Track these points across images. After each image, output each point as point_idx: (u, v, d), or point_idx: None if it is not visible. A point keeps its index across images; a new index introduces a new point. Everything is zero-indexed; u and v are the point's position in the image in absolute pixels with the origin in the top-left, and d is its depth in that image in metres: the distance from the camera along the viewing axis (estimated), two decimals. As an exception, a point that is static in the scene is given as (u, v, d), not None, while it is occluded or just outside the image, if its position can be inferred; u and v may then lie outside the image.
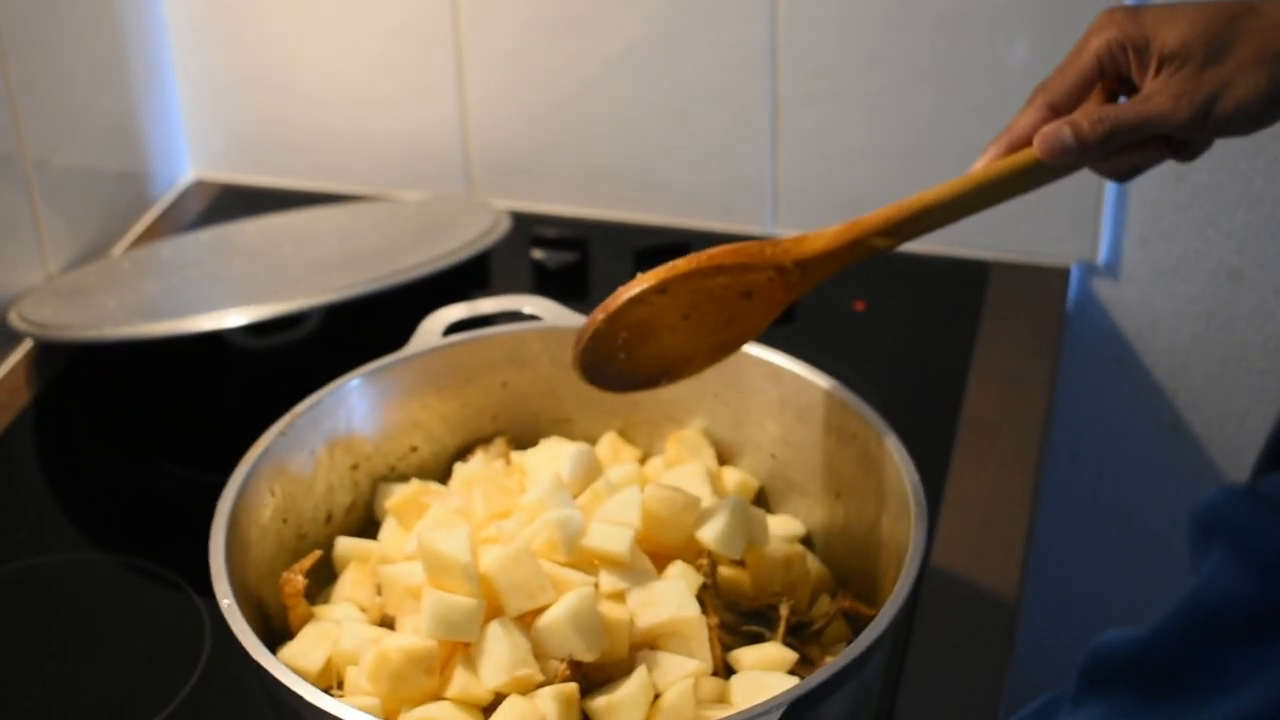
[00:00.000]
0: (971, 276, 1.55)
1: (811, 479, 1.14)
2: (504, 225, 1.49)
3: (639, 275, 1.04)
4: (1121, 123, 0.99)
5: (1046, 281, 1.55)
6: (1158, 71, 0.99)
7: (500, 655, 0.96)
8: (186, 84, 1.70)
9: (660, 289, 1.03)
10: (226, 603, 0.96)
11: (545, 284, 1.53)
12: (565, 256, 1.54)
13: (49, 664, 1.18)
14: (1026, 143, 1.02)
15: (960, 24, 1.48)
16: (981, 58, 1.49)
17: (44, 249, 1.51)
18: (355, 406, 1.14)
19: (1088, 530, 1.71)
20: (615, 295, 1.04)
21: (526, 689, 0.96)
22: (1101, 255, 1.56)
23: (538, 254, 1.55)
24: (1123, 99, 1.03)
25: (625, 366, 1.07)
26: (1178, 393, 1.61)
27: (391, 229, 1.54)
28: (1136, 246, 1.55)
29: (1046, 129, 1.01)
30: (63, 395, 1.44)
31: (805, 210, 1.60)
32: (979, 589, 1.21)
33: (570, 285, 1.53)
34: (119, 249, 1.62)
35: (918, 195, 1.04)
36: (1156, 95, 0.99)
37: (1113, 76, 1.02)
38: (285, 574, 1.05)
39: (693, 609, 0.99)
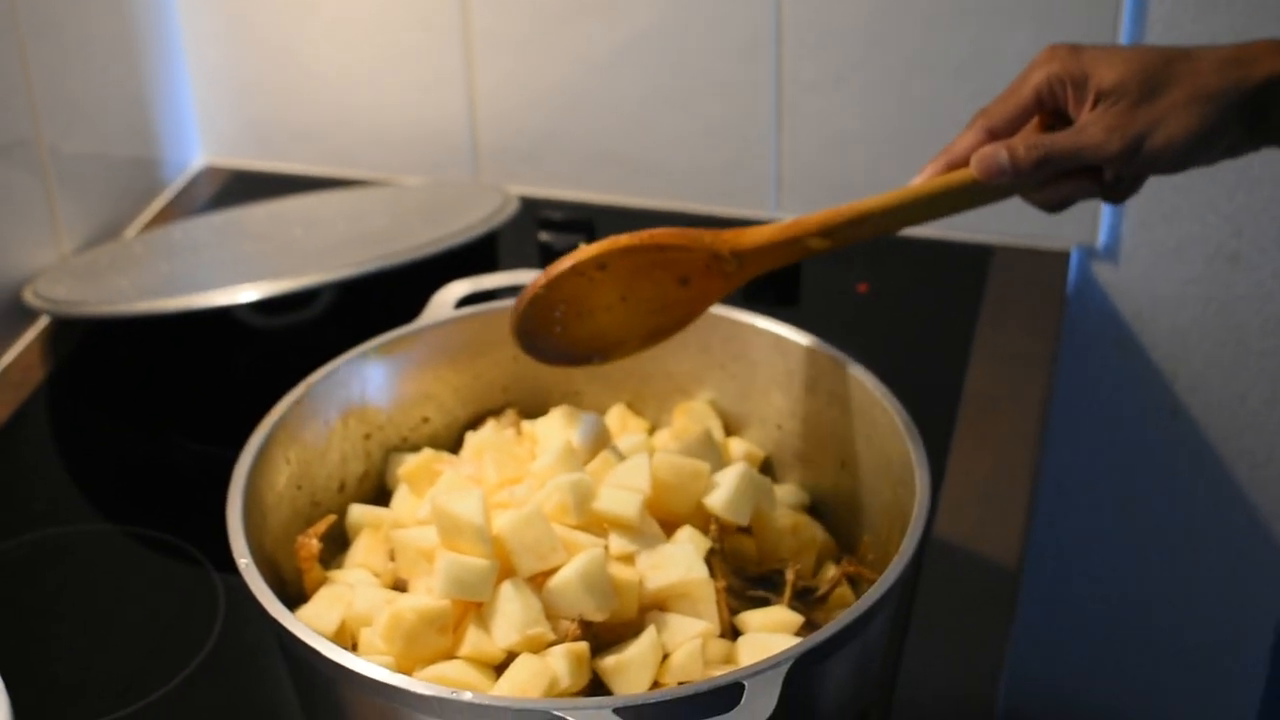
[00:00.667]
0: (973, 260, 1.57)
1: (817, 449, 1.16)
2: (512, 207, 1.51)
3: (582, 246, 1.08)
4: (1055, 150, 1.04)
5: (1047, 265, 1.57)
6: (1094, 106, 1.04)
7: (512, 615, 0.98)
8: (197, 71, 1.71)
9: (600, 264, 1.08)
10: (244, 562, 0.97)
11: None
12: (572, 239, 1.56)
13: (65, 634, 1.20)
14: (964, 163, 1.08)
15: (962, 10, 1.50)
16: (983, 44, 1.51)
17: (58, 232, 1.53)
18: (369, 377, 1.15)
19: (1087, 512, 1.73)
20: (557, 263, 1.08)
21: (538, 648, 0.98)
22: (1101, 239, 1.58)
23: (545, 236, 1.57)
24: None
25: (560, 340, 1.11)
26: (1177, 375, 1.63)
27: (400, 211, 1.56)
28: (1136, 230, 1.57)
29: (984, 151, 1.06)
30: (77, 372, 1.46)
31: (808, 194, 1.61)
32: (981, 558, 1.23)
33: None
34: (131, 232, 1.64)
35: (858, 202, 1.08)
36: (1090, 127, 1.04)
37: (1051, 109, 1.07)
38: (300, 538, 1.07)
39: (701, 571, 1.01)
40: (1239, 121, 1.02)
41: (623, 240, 1.07)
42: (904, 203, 1.08)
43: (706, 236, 1.09)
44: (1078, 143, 1.03)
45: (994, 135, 1.08)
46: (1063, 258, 1.57)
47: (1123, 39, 1.48)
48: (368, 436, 1.16)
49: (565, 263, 1.07)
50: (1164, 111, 1.02)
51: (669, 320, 1.12)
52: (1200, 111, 1.02)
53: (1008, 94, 1.08)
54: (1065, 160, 1.04)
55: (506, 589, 0.98)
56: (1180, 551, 1.73)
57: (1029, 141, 1.05)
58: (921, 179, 1.09)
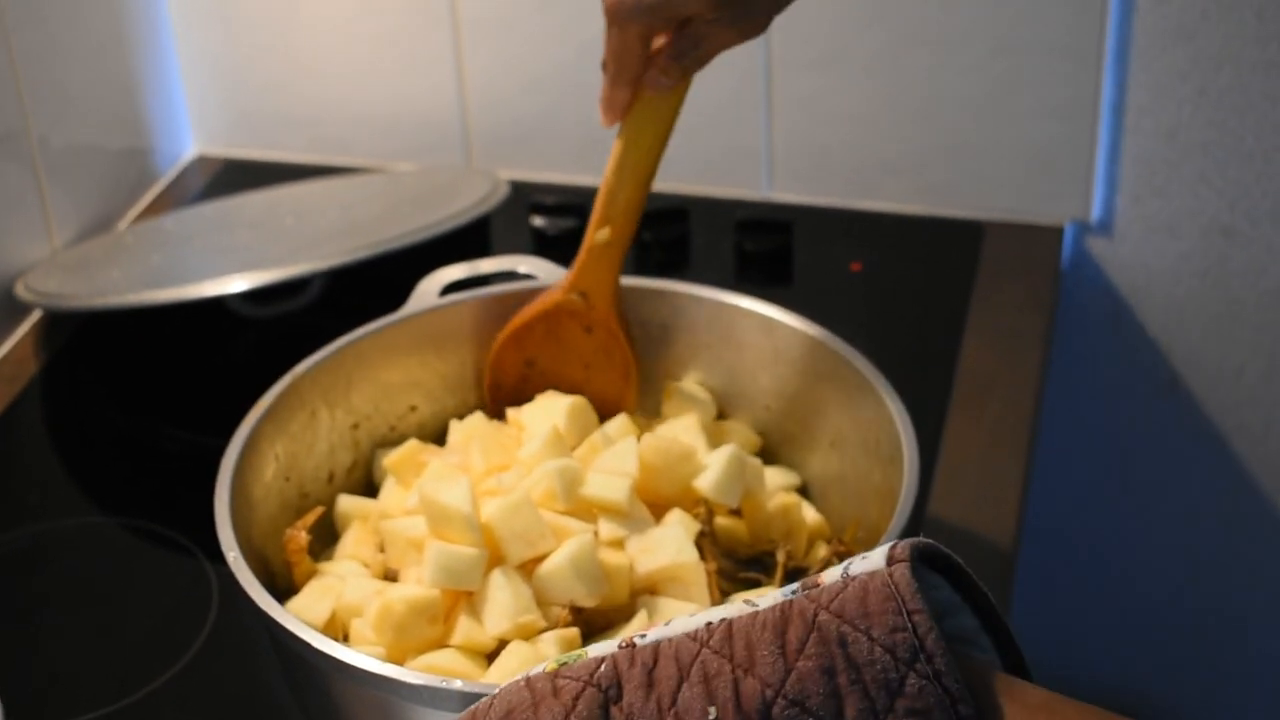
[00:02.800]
0: (966, 236, 1.56)
1: (805, 429, 1.16)
2: (503, 191, 1.51)
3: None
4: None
5: (1041, 240, 1.56)
6: None
7: (503, 603, 0.98)
8: (187, 60, 1.71)
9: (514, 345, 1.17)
10: (233, 555, 0.97)
11: (545, 250, 1.53)
12: (565, 223, 1.56)
13: (58, 628, 1.20)
14: (628, 97, 1.12)
15: (951, -14, 1.50)
16: (970, 19, 1.51)
17: (49, 224, 1.53)
18: (354, 366, 1.15)
19: (1084, 488, 1.72)
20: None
21: (529, 635, 0.98)
22: (1095, 213, 1.57)
23: (537, 221, 1.56)
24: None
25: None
26: (1173, 349, 1.63)
27: (392, 198, 1.56)
28: (1130, 204, 1.57)
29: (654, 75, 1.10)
30: (70, 365, 1.46)
31: (801, 174, 1.61)
32: (976, 536, 1.23)
33: (570, 251, 1.54)
34: (123, 224, 1.63)
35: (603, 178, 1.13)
36: None
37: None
38: (289, 530, 1.07)
39: (691, 554, 1.01)
40: None
41: (505, 331, 1.16)
42: (627, 150, 1.13)
43: (556, 293, 1.15)
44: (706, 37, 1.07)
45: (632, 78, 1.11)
46: (1056, 233, 1.57)
47: (1113, 6, 1.47)
48: (355, 426, 1.16)
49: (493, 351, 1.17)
50: None
51: (604, 375, 1.16)
52: None
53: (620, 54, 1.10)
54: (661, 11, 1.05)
55: (496, 577, 0.98)
56: (1178, 526, 1.72)
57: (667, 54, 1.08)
58: (608, 117, 1.14)
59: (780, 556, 1.05)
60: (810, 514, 1.12)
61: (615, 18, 1.06)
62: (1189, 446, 1.67)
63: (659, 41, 1.08)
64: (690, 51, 1.08)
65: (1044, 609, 1.79)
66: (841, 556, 1.07)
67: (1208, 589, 1.74)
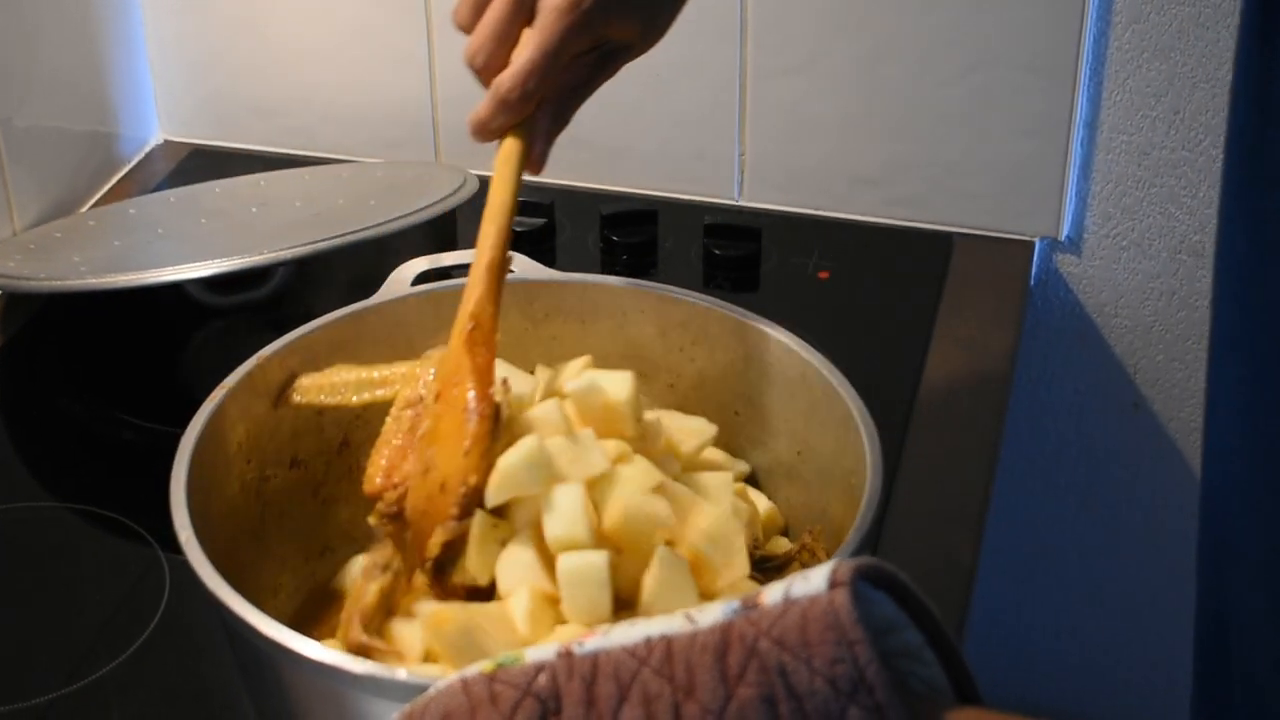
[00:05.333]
0: (935, 249, 1.56)
1: (771, 434, 1.14)
2: (471, 186, 1.49)
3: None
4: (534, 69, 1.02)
5: (1010, 255, 1.56)
6: None
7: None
8: (155, 46, 1.70)
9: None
10: (185, 535, 0.95)
11: (513, 248, 1.53)
12: (532, 221, 1.55)
13: (9, 611, 1.18)
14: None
15: (928, -4, 1.49)
16: (946, 32, 1.50)
17: (10, 207, 1.51)
18: (321, 352, 1.14)
19: (1046, 506, 1.72)
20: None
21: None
22: (1065, 230, 1.57)
23: (504, 219, 1.55)
24: None
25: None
26: (1138, 368, 1.62)
27: (358, 190, 1.55)
28: (1100, 222, 1.57)
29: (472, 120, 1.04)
30: (27, 347, 1.44)
31: (772, 179, 1.60)
32: (937, 548, 1.22)
33: (537, 249, 1.53)
34: (85, 208, 1.62)
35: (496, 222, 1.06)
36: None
37: None
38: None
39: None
40: None
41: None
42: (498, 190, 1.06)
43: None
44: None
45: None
46: (1026, 247, 1.56)
47: (1090, 24, 1.47)
48: (320, 413, 1.14)
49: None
50: None
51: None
52: None
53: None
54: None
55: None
56: (1140, 545, 1.72)
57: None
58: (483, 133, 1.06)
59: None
60: (764, 502, 1.11)
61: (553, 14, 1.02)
62: (1152, 465, 1.67)
63: None
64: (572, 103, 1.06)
65: (1002, 625, 1.79)
66: (804, 563, 1.07)
67: (1167, 608, 1.74)
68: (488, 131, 1.05)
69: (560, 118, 1.07)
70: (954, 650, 0.69)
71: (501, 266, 1.05)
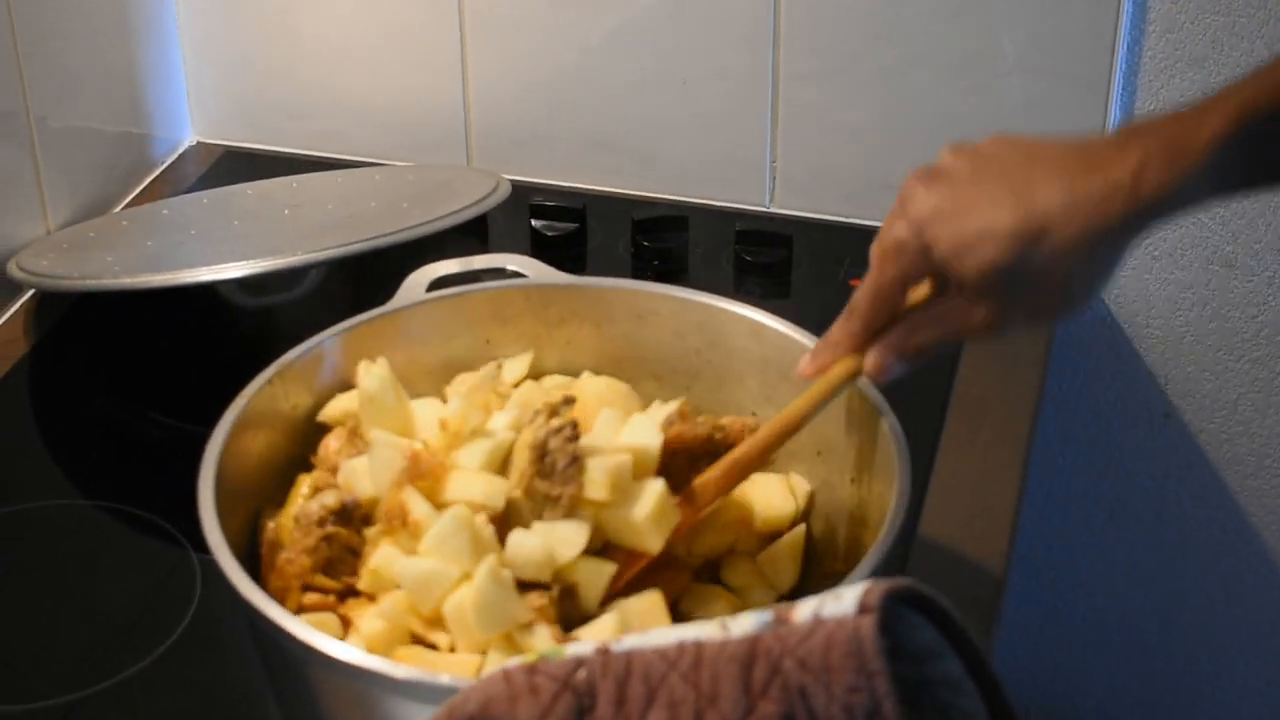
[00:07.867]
0: (967, 257, 1.55)
1: (793, 438, 1.14)
2: (503, 190, 1.50)
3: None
4: (939, 341, 1.01)
5: (1041, 264, 1.55)
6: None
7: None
8: (189, 48, 1.70)
9: None
10: (215, 538, 0.96)
11: (543, 252, 1.53)
12: (563, 226, 1.55)
13: (40, 608, 1.19)
14: (845, 352, 1.03)
15: (961, 3, 1.49)
16: (981, 39, 1.50)
17: (44, 205, 1.52)
18: (339, 360, 1.14)
19: (1076, 517, 1.72)
20: None
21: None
22: (1097, 240, 1.56)
23: (536, 224, 1.56)
24: None
25: None
26: (1169, 379, 1.62)
27: (390, 193, 1.55)
28: (1132, 232, 1.56)
29: (878, 364, 1.02)
30: (59, 346, 1.45)
31: (804, 188, 1.60)
32: (966, 561, 1.22)
33: (568, 254, 1.54)
34: (118, 208, 1.62)
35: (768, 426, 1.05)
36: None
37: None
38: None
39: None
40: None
41: None
42: (801, 413, 1.04)
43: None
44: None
45: (870, 328, 1.03)
46: (1057, 258, 1.56)
47: (1123, 32, 1.46)
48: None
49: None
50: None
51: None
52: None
53: (873, 296, 1.02)
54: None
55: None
56: (1168, 558, 1.72)
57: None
58: (810, 368, 1.04)
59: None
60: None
61: (879, 259, 1.00)
62: (1181, 477, 1.66)
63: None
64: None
65: (1032, 635, 1.78)
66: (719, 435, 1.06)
67: (1195, 619, 1.73)
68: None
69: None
70: (994, 682, 0.70)
71: (745, 467, 1.04)
